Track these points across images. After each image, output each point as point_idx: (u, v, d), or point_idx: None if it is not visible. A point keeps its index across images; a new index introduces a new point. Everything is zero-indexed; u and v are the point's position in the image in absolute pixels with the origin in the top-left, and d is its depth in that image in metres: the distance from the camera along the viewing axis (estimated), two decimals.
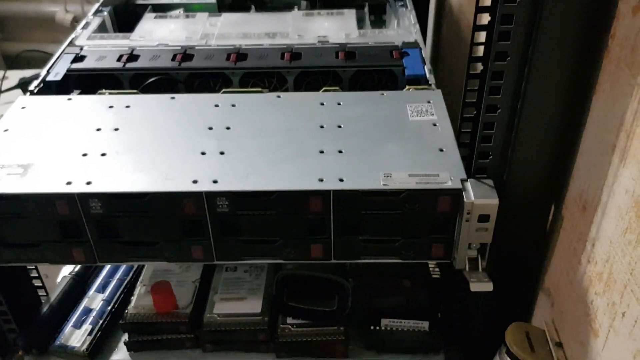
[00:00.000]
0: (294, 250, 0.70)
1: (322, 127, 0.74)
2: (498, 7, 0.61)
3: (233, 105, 0.80)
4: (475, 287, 0.68)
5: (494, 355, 0.78)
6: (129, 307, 0.85)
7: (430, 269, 0.91)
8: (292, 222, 0.67)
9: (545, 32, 0.61)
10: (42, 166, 0.69)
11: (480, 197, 0.64)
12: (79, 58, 0.93)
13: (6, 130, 0.75)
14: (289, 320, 0.83)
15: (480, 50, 0.65)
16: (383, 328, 0.83)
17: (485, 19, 0.63)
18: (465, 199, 0.64)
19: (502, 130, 0.68)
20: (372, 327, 0.83)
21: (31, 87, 0.86)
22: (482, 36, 0.65)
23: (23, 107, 0.80)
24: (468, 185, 0.65)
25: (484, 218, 0.65)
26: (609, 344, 0.62)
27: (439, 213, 0.66)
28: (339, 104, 0.79)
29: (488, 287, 0.68)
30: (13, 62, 1.98)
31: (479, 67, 0.66)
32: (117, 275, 0.94)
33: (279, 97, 0.82)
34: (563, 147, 0.70)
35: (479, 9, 0.63)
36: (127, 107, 0.80)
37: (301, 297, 0.83)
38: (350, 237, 0.69)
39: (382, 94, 0.81)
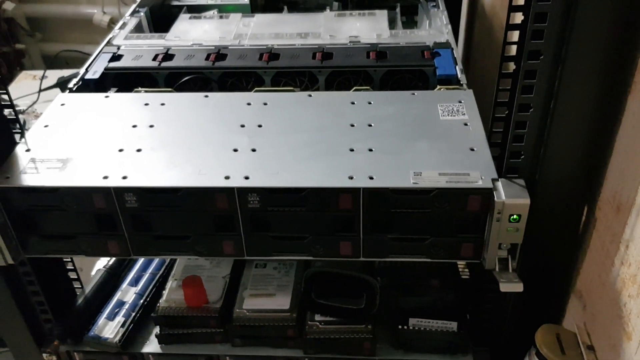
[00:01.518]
0: (323, 247, 0.71)
1: (352, 125, 0.75)
2: (532, 6, 0.60)
3: (265, 104, 0.81)
4: (505, 287, 0.67)
5: (523, 357, 0.77)
6: (160, 301, 0.87)
7: (460, 269, 0.91)
8: (322, 219, 0.68)
9: (579, 30, 0.60)
10: (80, 161, 0.71)
11: (511, 196, 0.64)
12: (116, 57, 0.95)
13: (46, 126, 0.78)
14: (317, 317, 0.83)
15: (513, 50, 0.65)
16: (411, 327, 0.83)
17: (518, 18, 0.63)
18: (495, 198, 0.64)
19: (534, 129, 0.67)
20: (400, 326, 0.83)
21: (70, 85, 0.89)
22: (514, 35, 0.64)
23: (62, 104, 0.83)
24: (499, 184, 0.65)
25: (514, 218, 0.64)
26: None
27: (469, 212, 0.66)
28: (370, 103, 0.79)
29: (518, 287, 0.67)
30: (52, 62, 2.04)
31: (512, 66, 0.66)
32: (150, 270, 0.96)
33: (310, 96, 0.83)
34: (596, 147, 0.69)
35: (513, 8, 0.63)
36: (162, 104, 0.82)
37: (329, 294, 0.84)
38: (379, 235, 0.69)
39: (413, 94, 0.81)
